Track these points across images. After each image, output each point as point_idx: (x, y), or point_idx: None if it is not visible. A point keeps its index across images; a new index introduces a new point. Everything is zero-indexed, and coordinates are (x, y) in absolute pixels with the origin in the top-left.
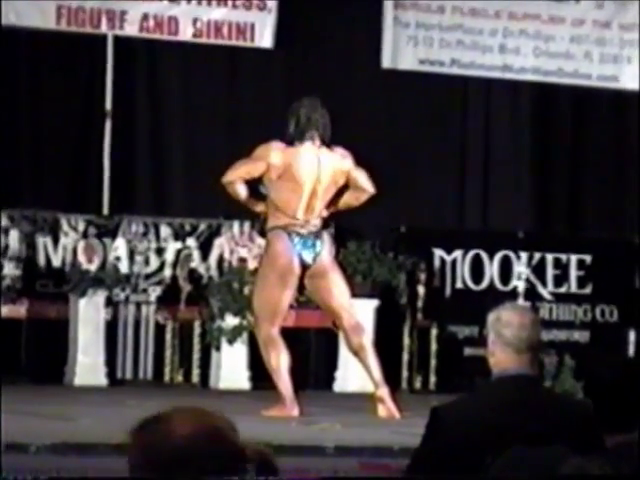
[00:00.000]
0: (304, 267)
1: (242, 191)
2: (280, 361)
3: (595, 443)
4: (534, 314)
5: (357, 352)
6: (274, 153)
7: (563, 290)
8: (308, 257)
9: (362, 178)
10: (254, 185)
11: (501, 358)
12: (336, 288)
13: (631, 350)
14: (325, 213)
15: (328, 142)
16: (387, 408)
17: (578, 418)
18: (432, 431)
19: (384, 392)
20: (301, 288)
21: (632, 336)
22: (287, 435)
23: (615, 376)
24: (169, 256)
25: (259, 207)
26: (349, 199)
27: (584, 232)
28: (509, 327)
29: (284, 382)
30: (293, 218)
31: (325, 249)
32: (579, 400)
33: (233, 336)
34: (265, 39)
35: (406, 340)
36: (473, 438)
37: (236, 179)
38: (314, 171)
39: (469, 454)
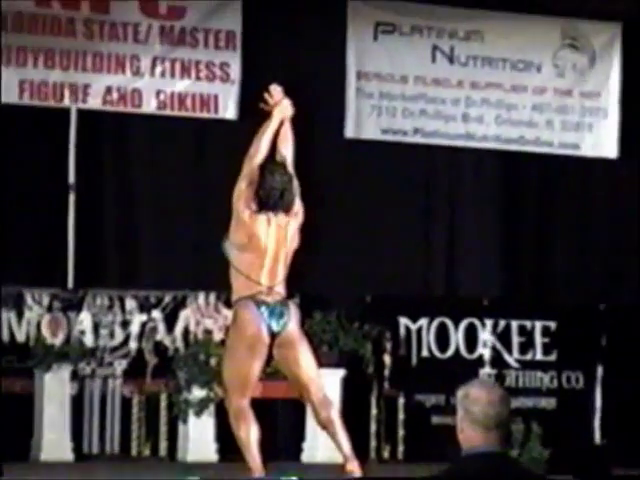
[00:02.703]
0: (272, 337)
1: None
2: (250, 434)
3: None
4: (502, 391)
5: (325, 426)
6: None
7: (529, 357)
8: (276, 326)
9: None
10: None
11: (470, 435)
12: (304, 359)
13: (597, 416)
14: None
15: (290, 208)
16: None
17: None
18: None
19: (354, 466)
20: (269, 359)
21: (598, 402)
22: None
23: None
24: (134, 328)
25: None
26: None
27: (552, 298)
28: (477, 404)
29: (253, 456)
30: (257, 284)
31: (292, 318)
32: (544, 477)
33: (200, 408)
34: (229, 110)
35: (373, 410)
36: None
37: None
38: (276, 240)
39: None
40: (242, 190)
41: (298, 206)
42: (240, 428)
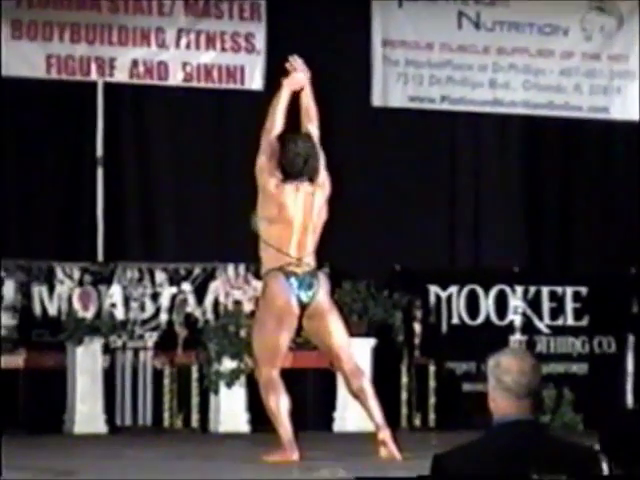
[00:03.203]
0: (302, 307)
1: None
2: (280, 405)
3: None
4: (534, 359)
5: (357, 395)
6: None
7: (560, 323)
8: (305, 297)
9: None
10: (249, 217)
11: (501, 404)
12: (335, 329)
13: (630, 380)
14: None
15: (315, 176)
16: (389, 450)
17: (580, 462)
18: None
19: (386, 435)
20: (298, 329)
21: (630, 366)
22: None
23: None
24: (164, 301)
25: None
26: None
27: (576, 265)
28: (509, 373)
29: (284, 426)
30: (285, 255)
31: (322, 289)
32: (582, 445)
33: (231, 379)
34: (255, 81)
35: (404, 378)
36: None
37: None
38: (302, 214)
39: None
40: (264, 163)
41: (324, 177)
42: (270, 399)
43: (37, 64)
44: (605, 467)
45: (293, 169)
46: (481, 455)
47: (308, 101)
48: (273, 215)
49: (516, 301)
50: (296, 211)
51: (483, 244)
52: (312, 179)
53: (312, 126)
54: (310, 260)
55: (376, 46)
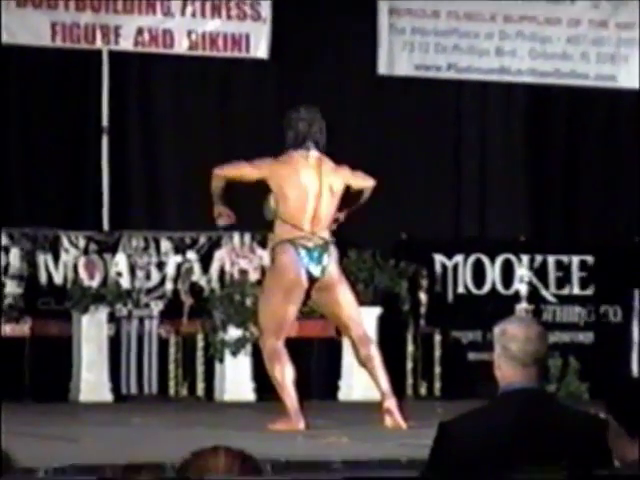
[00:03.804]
0: (311, 280)
1: (219, 188)
2: (285, 375)
3: (604, 458)
4: (540, 327)
5: (365, 363)
6: (275, 167)
7: (566, 292)
8: (315, 270)
9: (360, 180)
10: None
11: (507, 372)
12: (345, 300)
13: (635, 349)
14: (334, 226)
15: (324, 151)
16: (394, 419)
17: (585, 430)
18: (440, 447)
19: (391, 403)
20: (305, 299)
21: (636, 336)
22: (294, 450)
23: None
24: (170, 270)
25: (218, 210)
26: (356, 201)
27: (582, 234)
28: (515, 341)
29: (289, 395)
30: (299, 230)
31: (332, 261)
32: (588, 414)
33: (236, 348)
34: (260, 49)
35: (410, 347)
36: (481, 454)
37: (226, 176)
38: (316, 182)
39: (477, 470)
40: (254, 168)
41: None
42: (275, 369)
43: (42, 32)
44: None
45: (298, 134)
46: (487, 423)
47: (356, 182)
48: (285, 191)
49: (522, 270)
50: (308, 181)
51: (489, 213)
52: (318, 146)
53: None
54: (324, 234)
55: (382, 14)
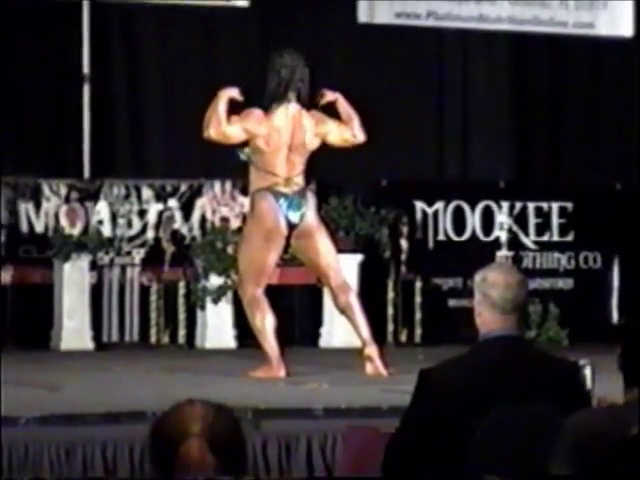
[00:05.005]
0: (290, 227)
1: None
2: (265, 322)
3: (581, 401)
4: (520, 274)
5: (344, 310)
6: (252, 122)
7: (546, 238)
8: (294, 217)
9: (345, 136)
10: (232, 150)
11: (487, 319)
12: (323, 247)
13: (615, 295)
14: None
15: (307, 101)
16: (375, 366)
17: (564, 376)
18: (420, 394)
19: (372, 350)
20: (286, 246)
21: (616, 282)
22: (275, 397)
23: None
24: (151, 218)
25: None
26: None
27: (564, 180)
28: (495, 288)
29: (270, 343)
30: (275, 176)
31: (310, 208)
32: (566, 361)
33: (218, 296)
34: None
35: (390, 293)
36: (461, 400)
37: (214, 139)
38: (293, 130)
39: (457, 416)
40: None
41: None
42: (255, 317)
43: None
44: (589, 382)
45: (280, 82)
46: (467, 370)
47: (345, 108)
48: (259, 145)
49: (502, 217)
50: (284, 132)
51: (470, 158)
52: (300, 97)
53: (354, 125)
54: (299, 180)
55: None
